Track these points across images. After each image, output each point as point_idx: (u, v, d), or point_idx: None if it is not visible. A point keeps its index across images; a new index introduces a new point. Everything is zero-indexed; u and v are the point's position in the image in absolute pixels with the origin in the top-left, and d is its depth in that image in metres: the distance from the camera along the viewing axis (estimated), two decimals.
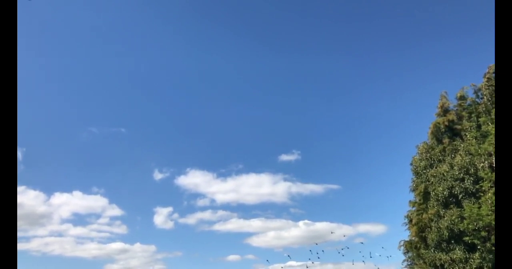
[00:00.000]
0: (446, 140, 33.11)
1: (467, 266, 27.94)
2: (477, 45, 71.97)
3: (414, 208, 33.97)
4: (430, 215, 30.77)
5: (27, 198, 64.83)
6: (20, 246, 61.42)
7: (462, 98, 34.34)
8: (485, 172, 27.29)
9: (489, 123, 28.54)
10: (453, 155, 31.57)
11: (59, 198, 66.78)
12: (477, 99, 33.23)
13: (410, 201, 34.70)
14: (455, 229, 28.60)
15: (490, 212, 25.09)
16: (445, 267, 29.14)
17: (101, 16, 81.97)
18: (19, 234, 62.50)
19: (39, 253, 63.34)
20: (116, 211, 67.25)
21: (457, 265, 28.36)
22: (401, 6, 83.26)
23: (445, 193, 30.11)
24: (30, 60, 79.62)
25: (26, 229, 65.02)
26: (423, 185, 32.58)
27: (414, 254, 33.23)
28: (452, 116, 33.45)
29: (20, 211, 61.24)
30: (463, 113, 33.41)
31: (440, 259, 29.24)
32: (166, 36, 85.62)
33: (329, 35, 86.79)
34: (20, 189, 63.64)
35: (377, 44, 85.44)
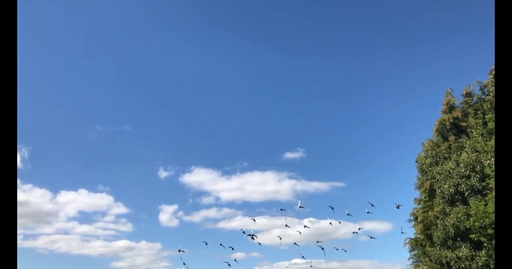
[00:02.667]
0: (451, 137, 32.86)
1: (473, 263, 27.76)
2: (482, 42, 71.40)
3: (419, 206, 33.83)
4: (435, 212, 30.61)
5: (34, 196, 65.52)
6: (27, 244, 62.26)
7: (468, 95, 34.01)
8: (492, 169, 27.05)
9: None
10: (459, 152, 31.35)
11: (65, 196, 67.26)
12: (483, 96, 32.84)
13: (415, 199, 34.56)
14: (461, 227, 28.43)
15: None
16: (451, 264, 29.00)
17: (105, 16, 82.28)
18: (26, 232, 63.36)
19: (46, 251, 63.91)
20: (121, 209, 67.58)
21: (463, 262, 28.19)
22: (406, 5, 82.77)
23: (451, 190, 29.94)
24: (35, 60, 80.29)
25: (33, 227, 65.92)
26: (428, 183, 32.41)
27: (420, 252, 33.14)
28: (457, 113, 33.18)
29: (26, 209, 62.02)
30: (469, 110, 33.09)
31: (446, 257, 29.11)
32: (169, 36, 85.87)
33: (336, 35, 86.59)
34: (26, 187, 64.46)
35: (383, 43, 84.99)
